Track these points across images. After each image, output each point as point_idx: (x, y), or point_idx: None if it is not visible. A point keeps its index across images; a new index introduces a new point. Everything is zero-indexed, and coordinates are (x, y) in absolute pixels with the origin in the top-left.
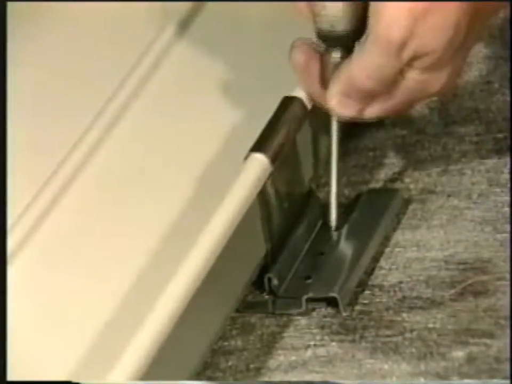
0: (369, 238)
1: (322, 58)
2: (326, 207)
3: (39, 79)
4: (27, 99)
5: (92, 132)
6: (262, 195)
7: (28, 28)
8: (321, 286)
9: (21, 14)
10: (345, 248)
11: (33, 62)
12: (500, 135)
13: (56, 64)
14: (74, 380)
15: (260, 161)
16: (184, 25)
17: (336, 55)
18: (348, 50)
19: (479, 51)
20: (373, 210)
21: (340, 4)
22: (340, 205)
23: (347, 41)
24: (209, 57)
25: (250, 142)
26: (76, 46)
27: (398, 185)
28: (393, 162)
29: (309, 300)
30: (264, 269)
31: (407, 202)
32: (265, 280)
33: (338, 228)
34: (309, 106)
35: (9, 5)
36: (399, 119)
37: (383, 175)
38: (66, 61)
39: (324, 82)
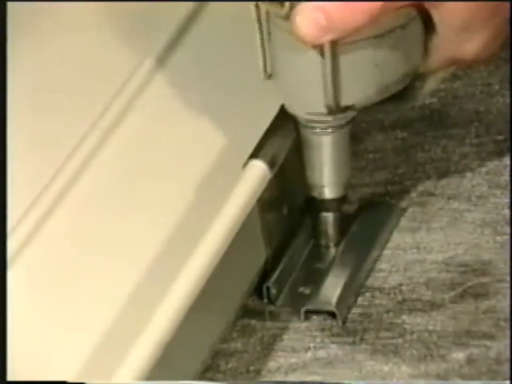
0: (367, 251)
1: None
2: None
3: (39, 80)
4: (27, 100)
5: (91, 136)
6: (261, 202)
7: (27, 29)
8: (319, 298)
9: (20, 15)
10: (344, 260)
11: (32, 63)
12: (500, 137)
13: (57, 65)
14: (79, 381)
15: (259, 168)
16: (184, 27)
17: None
18: None
19: None
20: (372, 224)
21: None
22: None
23: None
24: (210, 60)
25: (249, 149)
26: (76, 47)
27: (398, 187)
28: (393, 165)
29: (307, 311)
30: (264, 275)
31: (405, 208)
32: (264, 289)
33: (337, 240)
34: None
35: (9, 5)
36: (399, 121)
37: (383, 177)
38: (67, 61)
39: None
